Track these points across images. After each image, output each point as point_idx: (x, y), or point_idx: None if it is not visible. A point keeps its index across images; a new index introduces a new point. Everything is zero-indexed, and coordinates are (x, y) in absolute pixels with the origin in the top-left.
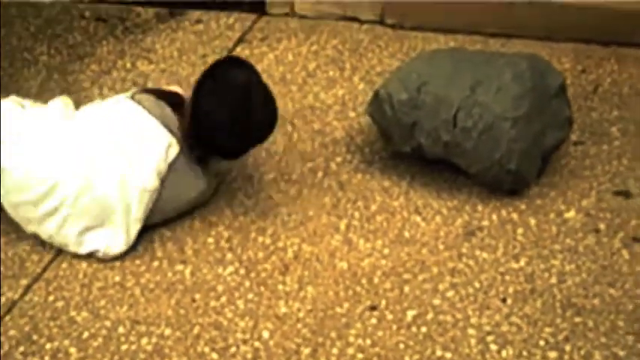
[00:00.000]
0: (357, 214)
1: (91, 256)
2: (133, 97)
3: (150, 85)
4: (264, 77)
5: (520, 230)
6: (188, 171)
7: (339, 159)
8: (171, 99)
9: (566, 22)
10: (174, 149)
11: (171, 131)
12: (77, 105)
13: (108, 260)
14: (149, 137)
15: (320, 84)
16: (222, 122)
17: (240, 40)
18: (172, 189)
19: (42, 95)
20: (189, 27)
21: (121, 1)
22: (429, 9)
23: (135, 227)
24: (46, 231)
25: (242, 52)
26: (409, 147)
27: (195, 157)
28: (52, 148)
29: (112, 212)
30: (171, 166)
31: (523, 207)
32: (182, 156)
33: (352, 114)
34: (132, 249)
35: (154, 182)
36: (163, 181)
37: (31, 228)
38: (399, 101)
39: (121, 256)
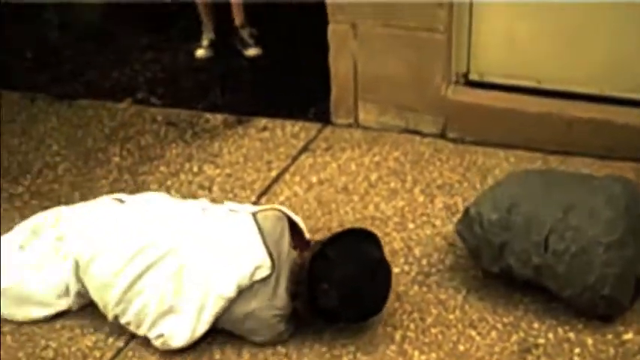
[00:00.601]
0: (412, 326)
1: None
2: (257, 213)
3: (215, 189)
4: (327, 186)
5: (577, 350)
6: (271, 298)
7: (396, 269)
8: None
9: (627, 142)
10: (264, 271)
11: (270, 254)
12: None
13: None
14: (245, 251)
15: (381, 194)
16: (338, 292)
17: (304, 149)
18: (245, 305)
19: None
20: (256, 134)
21: (191, 106)
22: (490, 124)
23: (201, 328)
24: (130, 311)
25: (306, 160)
26: (498, 268)
27: (290, 295)
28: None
29: (188, 304)
30: (255, 285)
31: (580, 326)
32: (272, 282)
33: (411, 225)
34: (191, 350)
35: (231, 292)
36: (241, 293)
37: (116, 309)
38: (489, 221)
39: (181, 357)
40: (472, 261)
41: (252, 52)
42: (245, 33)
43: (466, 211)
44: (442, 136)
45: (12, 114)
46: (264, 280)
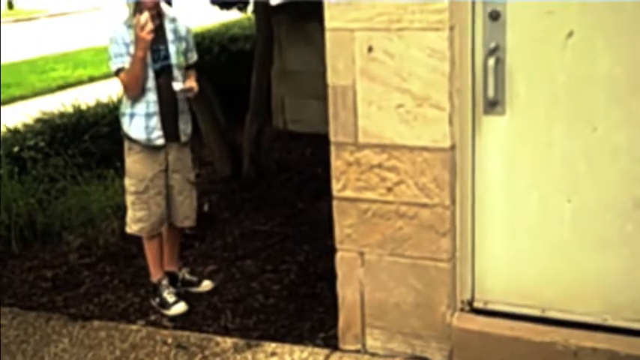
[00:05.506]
0: None
1: None
2: None
3: None
4: None
5: None
6: None
7: None
8: None
9: None
10: None
11: None
12: None
13: None
14: None
15: None
16: None
17: None
18: None
19: None
20: (264, 359)
21: (202, 329)
22: (495, 352)
23: None
24: None
25: None
26: None
27: None
28: None
29: None
30: None
31: None
32: None
33: None
34: None
35: None
36: None
37: None
38: None
39: None
40: None
41: (207, 285)
42: (187, 274)
43: None
44: None
45: (26, 334)
46: None
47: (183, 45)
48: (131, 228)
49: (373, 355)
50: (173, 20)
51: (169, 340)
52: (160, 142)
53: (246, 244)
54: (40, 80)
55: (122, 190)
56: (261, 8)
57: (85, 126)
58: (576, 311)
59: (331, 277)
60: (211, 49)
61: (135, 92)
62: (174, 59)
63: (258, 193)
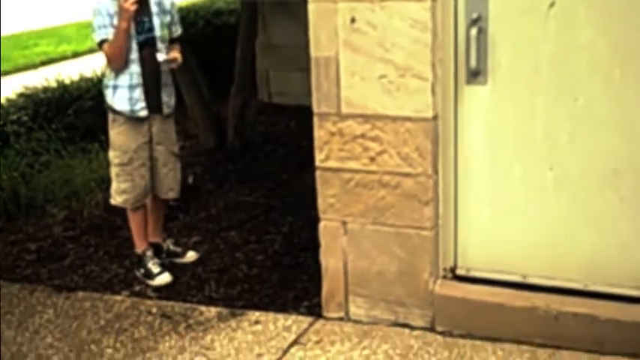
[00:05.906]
0: None
1: None
2: None
3: None
4: None
5: None
6: None
7: None
8: None
9: (613, 336)
10: None
11: None
12: None
13: None
14: None
15: None
16: None
17: (295, 342)
18: None
19: None
20: (248, 327)
21: (186, 299)
22: (477, 318)
23: None
24: None
25: (296, 353)
26: None
27: None
28: None
29: None
30: None
31: None
32: None
33: None
34: None
35: None
36: None
37: None
38: None
39: None
40: None
41: (192, 255)
42: (171, 245)
43: None
44: (431, 329)
45: (11, 306)
46: None
47: (168, 18)
48: (115, 199)
49: (357, 322)
50: None
51: (154, 310)
52: (144, 113)
53: (231, 216)
54: (24, 56)
55: (106, 164)
56: None
57: (68, 100)
58: (557, 277)
59: (315, 247)
60: (196, 23)
61: (118, 64)
62: (158, 31)
63: (242, 165)
